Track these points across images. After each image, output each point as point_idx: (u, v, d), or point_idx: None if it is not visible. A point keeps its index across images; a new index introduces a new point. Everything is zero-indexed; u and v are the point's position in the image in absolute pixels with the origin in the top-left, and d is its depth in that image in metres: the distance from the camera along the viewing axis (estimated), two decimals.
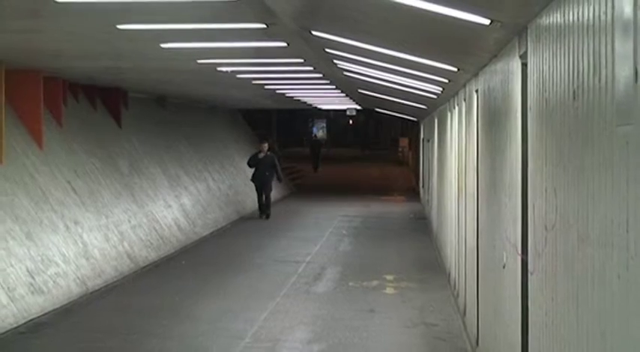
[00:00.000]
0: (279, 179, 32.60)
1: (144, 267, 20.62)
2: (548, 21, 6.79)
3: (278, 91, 26.93)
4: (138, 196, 22.89)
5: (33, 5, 10.48)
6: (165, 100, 28.77)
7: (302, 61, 16.94)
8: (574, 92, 5.74)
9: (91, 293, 17.38)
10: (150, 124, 27.02)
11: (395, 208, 36.95)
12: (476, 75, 12.52)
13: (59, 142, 19.63)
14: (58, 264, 16.74)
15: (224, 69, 18.46)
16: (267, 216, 31.13)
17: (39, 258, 16.20)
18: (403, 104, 26.75)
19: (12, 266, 15.23)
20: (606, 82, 4.79)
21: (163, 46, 14.07)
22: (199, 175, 29.79)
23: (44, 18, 11.50)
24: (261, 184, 31.08)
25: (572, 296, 5.95)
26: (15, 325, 14.41)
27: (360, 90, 25.20)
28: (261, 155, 31.44)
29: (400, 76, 16.19)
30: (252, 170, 31.70)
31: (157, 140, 26.90)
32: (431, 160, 29.00)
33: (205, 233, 26.66)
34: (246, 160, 33.19)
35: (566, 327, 6.17)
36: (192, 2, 10.33)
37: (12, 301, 14.75)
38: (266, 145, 31.92)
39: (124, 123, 24.09)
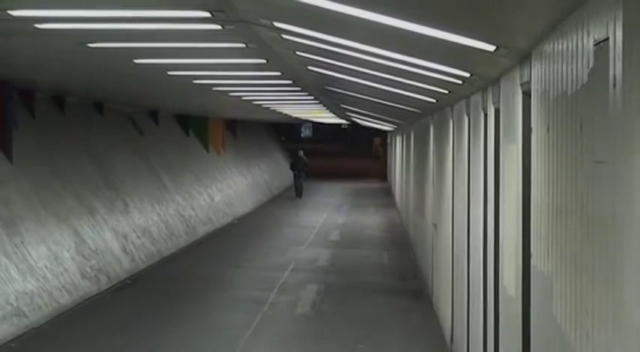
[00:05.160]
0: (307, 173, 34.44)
1: (220, 227, 22.74)
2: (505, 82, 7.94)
3: (294, 116, 28.29)
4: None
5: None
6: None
7: (300, 88, 14.81)
8: None
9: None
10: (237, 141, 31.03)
11: (371, 185, 40.97)
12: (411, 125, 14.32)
13: (233, 150, 26.58)
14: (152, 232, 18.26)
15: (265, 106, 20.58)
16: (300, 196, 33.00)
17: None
18: (377, 129, 30.15)
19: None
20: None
21: (244, 99, 16.67)
22: (251, 167, 32.02)
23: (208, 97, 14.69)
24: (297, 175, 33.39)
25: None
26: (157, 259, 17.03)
27: (347, 114, 25.88)
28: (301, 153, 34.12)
29: (379, 111, 17.63)
30: (290, 164, 34.30)
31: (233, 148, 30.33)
32: (393, 156, 32.58)
33: (253, 207, 28.32)
34: (278, 157, 37.67)
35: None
36: (233, 64, 11.86)
37: (154, 244, 17.32)
38: (301, 151, 34.49)
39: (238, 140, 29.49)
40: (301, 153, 34.27)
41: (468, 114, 8.14)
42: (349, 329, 11.42)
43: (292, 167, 33.77)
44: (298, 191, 33.14)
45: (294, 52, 8.53)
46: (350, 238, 21.12)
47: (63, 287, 12.47)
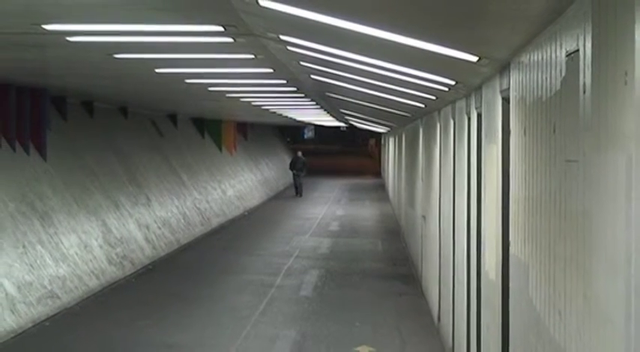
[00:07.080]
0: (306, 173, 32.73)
1: (232, 218, 22.74)
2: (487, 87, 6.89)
3: (298, 119, 28.68)
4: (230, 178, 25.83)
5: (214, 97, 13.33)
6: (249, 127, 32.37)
7: (303, 95, 14.70)
8: None
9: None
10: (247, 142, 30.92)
11: (367, 181, 40.49)
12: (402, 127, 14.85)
13: (243, 150, 25.90)
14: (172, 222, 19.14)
15: (271, 110, 20.56)
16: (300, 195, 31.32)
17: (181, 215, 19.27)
18: (372, 131, 29.78)
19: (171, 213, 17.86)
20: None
21: (254, 104, 16.73)
22: (260, 166, 32.11)
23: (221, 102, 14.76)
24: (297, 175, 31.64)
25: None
26: (181, 244, 16.99)
27: (345, 117, 26.37)
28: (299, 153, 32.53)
29: (374, 115, 17.47)
30: (290, 164, 32.31)
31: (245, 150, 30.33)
32: (387, 156, 32.39)
33: (261, 201, 28.38)
34: (284, 156, 36.72)
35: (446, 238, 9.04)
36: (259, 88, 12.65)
37: (173, 233, 17.38)
38: (300, 152, 32.80)
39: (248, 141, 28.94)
40: (300, 153, 32.68)
41: (454, 118, 8.18)
42: (347, 309, 11.43)
43: (291, 167, 32.07)
44: (298, 190, 31.51)
45: (298, 62, 8.56)
46: (348, 228, 21.12)
47: (92, 272, 12.53)
